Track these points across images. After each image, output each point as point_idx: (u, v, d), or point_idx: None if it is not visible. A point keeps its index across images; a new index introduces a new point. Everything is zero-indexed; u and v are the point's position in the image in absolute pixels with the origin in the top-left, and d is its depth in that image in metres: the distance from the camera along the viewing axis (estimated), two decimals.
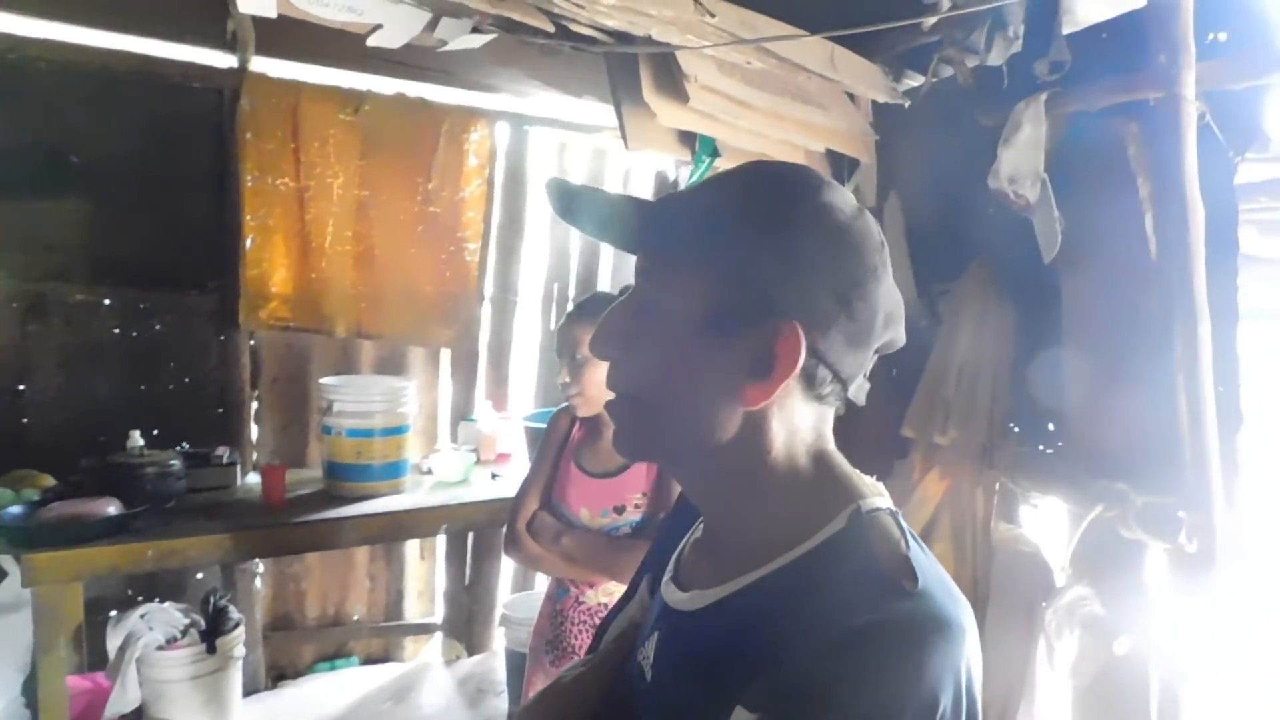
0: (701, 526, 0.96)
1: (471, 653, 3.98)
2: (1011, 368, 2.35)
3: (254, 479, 3.34)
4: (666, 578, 0.95)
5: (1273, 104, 1.88)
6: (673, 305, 0.81)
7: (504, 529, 2.46)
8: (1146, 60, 1.88)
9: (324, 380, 3.24)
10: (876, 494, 0.84)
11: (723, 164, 2.64)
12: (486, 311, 3.92)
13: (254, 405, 3.58)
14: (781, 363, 0.78)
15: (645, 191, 4.11)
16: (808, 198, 0.81)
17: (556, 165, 3.98)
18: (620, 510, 2.28)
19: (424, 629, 3.99)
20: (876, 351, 0.86)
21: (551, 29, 2.06)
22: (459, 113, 3.61)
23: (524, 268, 4.01)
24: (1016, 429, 2.39)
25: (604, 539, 2.28)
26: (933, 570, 0.76)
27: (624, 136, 2.26)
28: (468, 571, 4.02)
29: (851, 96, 2.34)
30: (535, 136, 3.88)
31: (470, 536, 3.99)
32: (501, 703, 3.55)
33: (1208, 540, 1.85)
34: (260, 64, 3.33)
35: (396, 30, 2.34)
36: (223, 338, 3.47)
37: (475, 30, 2.37)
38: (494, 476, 3.49)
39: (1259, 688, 1.87)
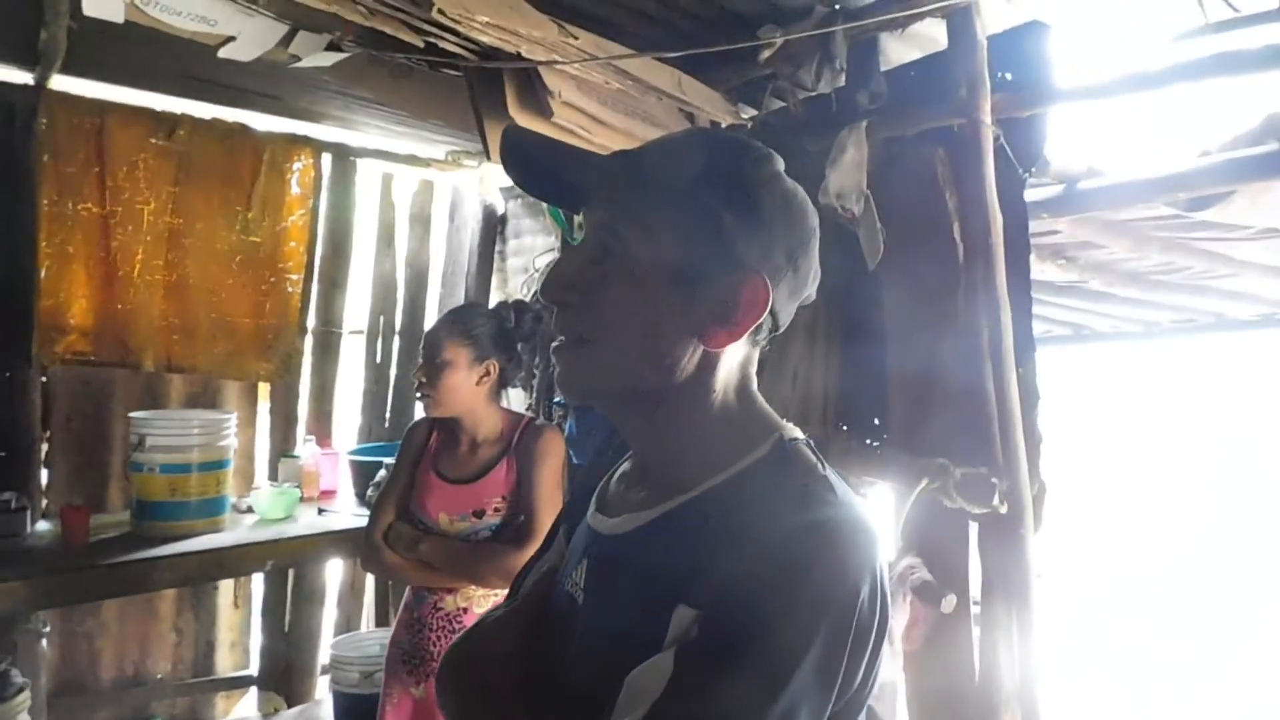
0: (628, 463, 1.04)
1: (291, 705, 3.75)
2: (840, 370, 2.59)
3: (45, 526, 3.07)
4: (591, 511, 1.01)
5: (1050, 132, 2.26)
6: (641, 255, 0.88)
7: (362, 544, 2.43)
8: (950, 93, 2.21)
9: (134, 414, 3.04)
10: (793, 428, 0.95)
11: None
12: (309, 345, 3.82)
13: (44, 447, 3.30)
14: (746, 310, 0.88)
15: (473, 222, 4.15)
16: (765, 165, 0.93)
17: (381, 196, 3.96)
18: (480, 514, 2.31)
19: (237, 683, 3.74)
20: (800, 303, 0.97)
21: (421, 45, 2.12)
22: (282, 141, 3.56)
23: (349, 300, 3.94)
24: (845, 428, 2.63)
25: (462, 544, 2.30)
26: (847, 488, 0.88)
27: (486, 150, 2.35)
28: (287, 618, 3.82)
29: (692, 121, 2.55)
30: (362, 167, 3.86)
31: (290, 581, 3.80)
32: None
33: (1017, 503, 2.13)
34: (61, 83, 3.15)
35: (250, 43, 2.31)
36: (8, 374, 3.19)
37: (331, 47, 2.39)
38: (321, 512, 3.38)
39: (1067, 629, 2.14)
